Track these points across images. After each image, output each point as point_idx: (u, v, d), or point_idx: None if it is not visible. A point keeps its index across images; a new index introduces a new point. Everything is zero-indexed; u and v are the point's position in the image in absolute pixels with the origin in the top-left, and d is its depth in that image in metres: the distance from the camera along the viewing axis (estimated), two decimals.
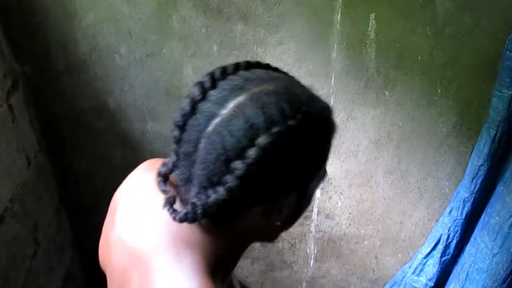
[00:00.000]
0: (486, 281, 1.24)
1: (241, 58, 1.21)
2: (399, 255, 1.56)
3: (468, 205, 1.30)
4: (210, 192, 0.50)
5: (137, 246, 0.56)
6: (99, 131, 1.36)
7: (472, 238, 1.32)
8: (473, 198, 1.28)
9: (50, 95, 1.30)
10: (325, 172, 0.60)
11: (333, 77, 1.24)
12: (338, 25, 1.16)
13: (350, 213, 1.50)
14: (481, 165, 1.23)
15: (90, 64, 1.25)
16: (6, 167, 1.13)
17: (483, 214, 1.28)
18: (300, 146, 0.51)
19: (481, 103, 1.22)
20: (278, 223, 0.56)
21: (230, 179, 0.48)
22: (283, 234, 1.57)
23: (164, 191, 0.56)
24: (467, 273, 1.30)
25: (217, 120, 0.49)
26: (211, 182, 0.50)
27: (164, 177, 0.58)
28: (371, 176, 1.41)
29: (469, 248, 1.33)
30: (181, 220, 0.52)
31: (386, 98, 1.26)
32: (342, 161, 1.39)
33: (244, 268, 1.67)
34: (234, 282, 0.68)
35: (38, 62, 1.24)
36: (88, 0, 1.15)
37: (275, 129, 0.48)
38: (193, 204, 0.51)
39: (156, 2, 1.15)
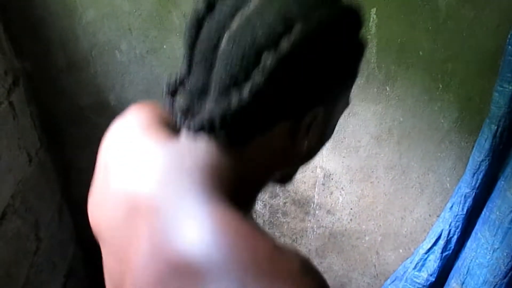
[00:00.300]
0: (487, 276, 1.25)
1: None
2: (400, 251, 1.56)
3: (469, 201, 1.30)
4: (233, 93, 0.44)
5: (140, 192, 0.49)
6: (100, 127, 1.35)
7: (473, 233, 1.32)
8: (474, 193, 1.28)
9: (51, 92, 1.30)
10: (349, 99, 0.55)
11: None
12: None
13: (351, 209, 1.50)
14: (482, 160, 1.22)
15: (90, 61, 1.25)
16: (8, 164, 1.13)
17: (484, 209, 1.28)
18: (334, 44, 0.46)
19: (482, 98, 1.21)
20: (304, 146, 0.50)
21: (258, 75, 0.43)
22: (284, 230, 1.57)
23: (172, 106, 0.50)
24: (468, 268, 1.30)
25: (244, 11, 0.45)
26: (235, 81, 0.44)
27: (172, 91, 0.51)
28: (372, 171, 1.41)
29: (470, 243, 1.33)
30: (196, 130, 0.46)
31: (387, 94, 1.25)
32: (343, 157, 1.39)
33: None
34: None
35: (39, 59, 1.24)
36: None
37: (311, 19, 0.43)
38: (211, 110, 0.45)
39: None
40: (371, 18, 1.14)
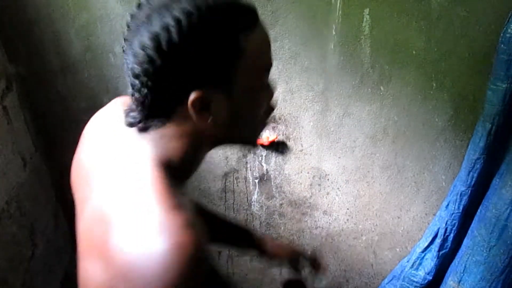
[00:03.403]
0: (484, 273, 1.25)
1: None
2: (397, 250, 1.57)
3: (465, 199, 1.30)
4: (140, 88, 0.57)
5: (92, 167, 0.64)
6: None
7: (469, 231, 1.33)
8: (469, 191, 1.29)
9: (45, 96, 1.29)
10: (270, 86, 0.65)
11: (328, 73, 1.24)
12: (332, 21, 1.16)
13: (347, 209, 1.50)
14: (477, 159, 1.23)
15: (84, 64, 1.24)
16: (2, 169, 1.13)
17: (480, 207, 1.28)
18: (209, 31, 0.55)
19: (476, 96, 1.22)
20: (214, 121, 0.60)
21: (147, 65, 0.55)
22: (281, 231, 1.57)
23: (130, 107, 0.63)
24: (465, 266, 1.30)
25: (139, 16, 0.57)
26: (136, 75, 0.56)
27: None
28: (368, 171, 1.41)
29: (466, 241, 1.33)
30: (130, 124, 0.61)
31: (381, 93, 1.26)
32: (339, 157, 1.39)
33: (243, 265, 1.68)
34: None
35: (32, 63, 1.24)
36: (81, 0, 1.15)
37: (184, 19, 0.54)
38: (133, 107, 0.60)
39: None
40: (365, 19, 1.15)
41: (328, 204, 1.50)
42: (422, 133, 1.31)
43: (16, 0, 1.15)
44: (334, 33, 1.18)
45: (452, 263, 1.40)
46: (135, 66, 0.56)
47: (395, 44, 1.17)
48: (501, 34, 1.08)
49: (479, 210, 1.29)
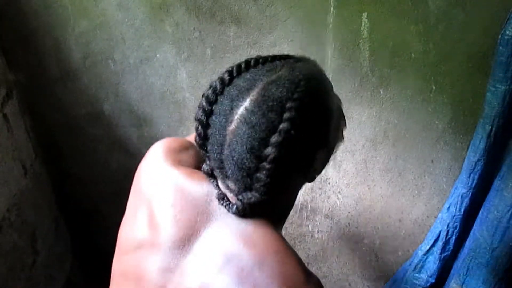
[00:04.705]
0: (487, 275, 1.25)
1: (235, 61, 1.21)
2: (399, 253, 1.56)
3: (466, 201, 1.30)
4: (248, 194, 0.57)
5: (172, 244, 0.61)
6: (95, 137, 1.36)
7: (471, 233, 1.32)
8: (471, 193, 1.28)
9: (45, 103, 1.30)
10: (341, 127, 0.72)
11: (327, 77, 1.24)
12: (331, 25, 1.16)
13: (349, 213, 1.50)
14: (478, 161, 1.23)
15: (84, 71, 1.25)
16: (3, 176, 1.13)
17: (482, 209, 1.28)
18: (313, 110, 0.58)
19: (475, 98, 1.22)
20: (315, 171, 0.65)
21: (262, 176, 0.55)
22: (283, 235, 1.57)
23: (218, 188, 0.62)
24: (467, 269, 1.30)
25: (237, 116, 0.55)
26: (247, 177, 0.56)
27: (211, 176, 0.64)
28: (369, 174, 1.41)
29: (468, 244, 1.33)
30: (235, 214, 0.59)
31: (381, 97, 1.26)
32: (340, 161, 1.39)
33: None
34: None
35: (32, 70, 1.24)
36: (80, 7, 1.15)
37: (287, 113, 0.54)
38: (239, 202, 0.58)
39: (148, 7, 1.15)
40: (363, 22, 1.15)
41: (329, 208, 1.50)
42: (422, 135, 1.31)
43: (16, 7, 1.15)
44: (332, 37, 1.18)
45: (455, 266, 1.40)
46: (249, 167, 0.55)
47: (394, 48, 1.18)
48: (499, 36, 1.08)
49: (480, 212, 1.29)
